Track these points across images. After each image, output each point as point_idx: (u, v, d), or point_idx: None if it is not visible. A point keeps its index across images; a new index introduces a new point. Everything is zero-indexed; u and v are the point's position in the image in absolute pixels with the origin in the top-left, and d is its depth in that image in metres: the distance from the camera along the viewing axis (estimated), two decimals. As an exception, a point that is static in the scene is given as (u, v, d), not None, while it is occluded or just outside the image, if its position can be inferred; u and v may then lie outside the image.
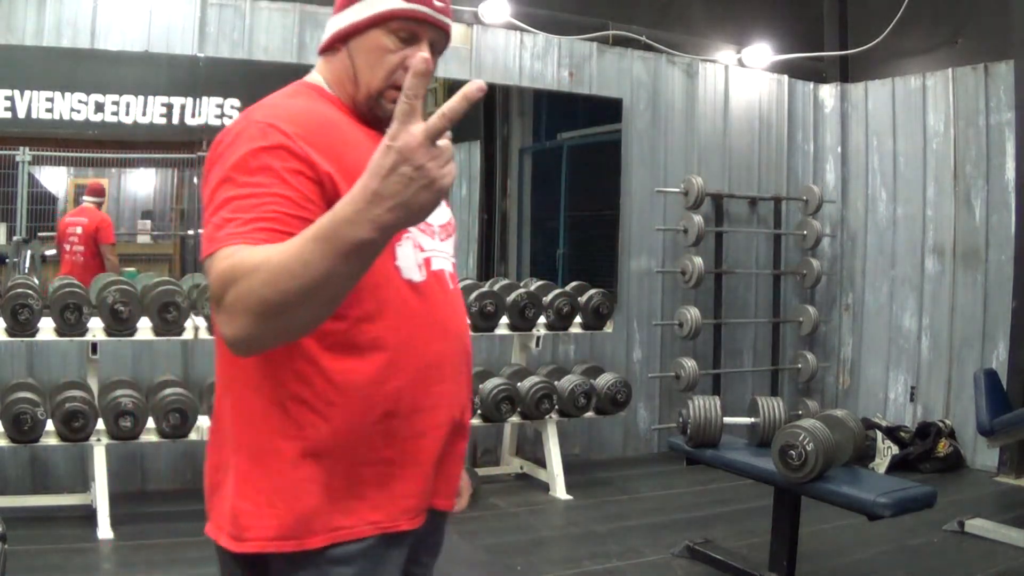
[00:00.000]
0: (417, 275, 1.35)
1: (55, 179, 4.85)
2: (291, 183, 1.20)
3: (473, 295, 4.58)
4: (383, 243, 1.03)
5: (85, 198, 4.77)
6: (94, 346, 3.95)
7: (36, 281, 4.22)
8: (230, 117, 4.84)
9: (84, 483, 4.25)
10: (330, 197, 1.22)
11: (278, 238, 1.12)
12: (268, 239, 1.12)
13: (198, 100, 4.72)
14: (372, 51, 1.37)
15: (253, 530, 1.27)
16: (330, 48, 1.43)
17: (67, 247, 4.73)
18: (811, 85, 6.50)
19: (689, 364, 5.59)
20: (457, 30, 5.24)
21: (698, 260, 5.60)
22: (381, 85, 1.38)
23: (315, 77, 1.46)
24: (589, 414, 4.91)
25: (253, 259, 1.06)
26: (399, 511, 1.33)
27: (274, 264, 1.03)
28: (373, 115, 1.40)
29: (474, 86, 1.00)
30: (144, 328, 3.95)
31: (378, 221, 0.99)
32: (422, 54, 1.02)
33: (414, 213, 1.01)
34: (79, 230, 4.73)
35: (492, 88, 5.70)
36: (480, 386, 4.66)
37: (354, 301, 1.25)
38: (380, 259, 1.11)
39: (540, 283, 5.09)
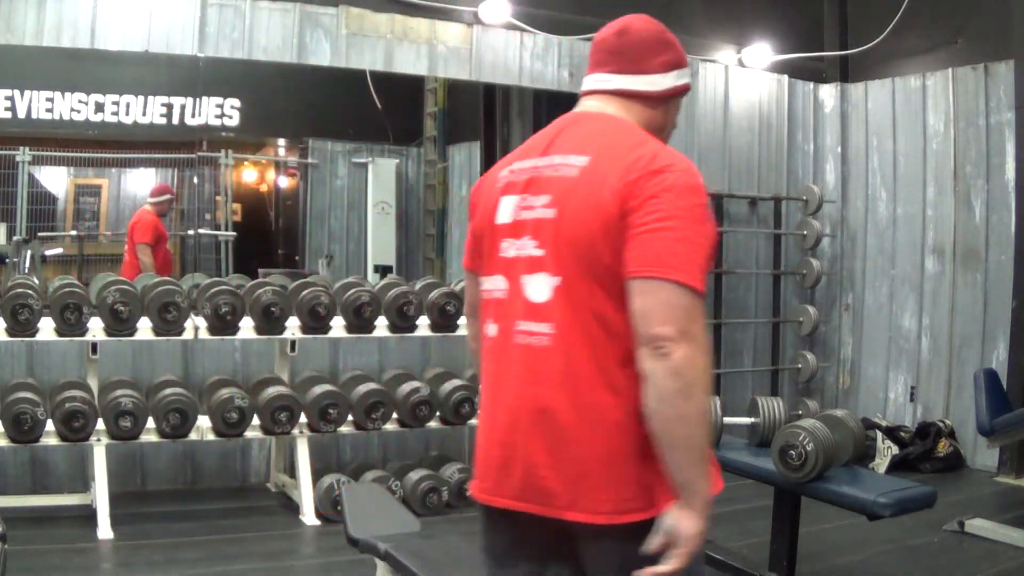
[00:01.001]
0: None
1: (55, 179, 4.86)
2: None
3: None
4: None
5: (148, 199, 4.85)
6: (94, 346, 3.95)
7: (36, 281, 4.22)
8: (230, 117, 4.84)
9: (84, 483, 4.25)
10: None
11: None
12: None
13: (198, 100, 4.73)
14: (675, 111, 1.79)
15: (661, 497, 1.51)
16: (654, 99, 1.71)
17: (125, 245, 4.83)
18: (811, 85, 6.50)
19: (689, 364, 5.58)
20: (457, 30, 5.25)
21: (698, 260, 5.59)
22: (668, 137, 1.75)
23: (631, 118, 1.69)
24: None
25: (707, 387, 1.49)
26: None
27: (703, 410, 1.47)
28: None
29: None
30: (144, 328, 3.95)
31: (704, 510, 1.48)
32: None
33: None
34: (125, 228, 4.81)
35: (492, 88, 5.70)
36: (480, 386, 4.65)
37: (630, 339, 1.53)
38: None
39: (540, 283, 5.09)
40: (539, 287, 1.56)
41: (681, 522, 1.46)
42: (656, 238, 1.46)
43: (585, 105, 1.72)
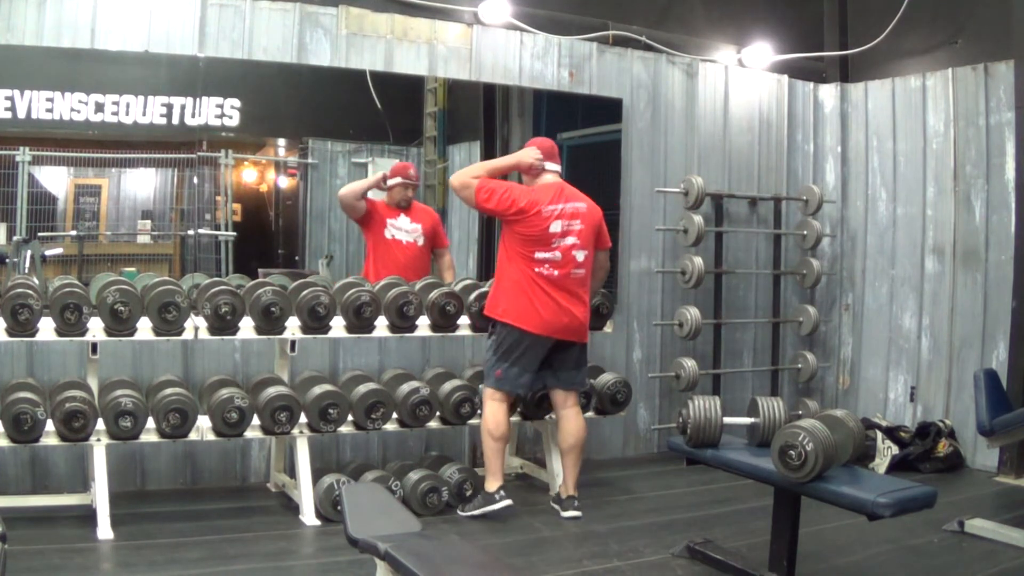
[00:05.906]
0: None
1: (55, 179, 4.85)
2: None
3: (473, 295, 4.58)
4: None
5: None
6: (94, 346, 3.96)
7: (36, 281, 4.22)
8: (230, 117, 4.84)
9: (84, 483, 4.26)
10: None
11: None
12: None
13: (198, 100, 4.72)
14: None
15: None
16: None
17: None
18: (811, 85, 6.50)
19: (689, 364, 5.60)
20: (457, 30, 5.25)
21: (698, 260, 5.60)
22: None
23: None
24: (589, 414, 4.90)
25: None
26: None
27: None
28: None
29: None
30: (144, 328, 3.95)
31: None
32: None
33: None
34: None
35: (492, 88, 5.70)
36: (480, 386, 4.66)
37: None
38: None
39: (540, 283, 5.11)
40: (580, 255, 4.25)
41: None
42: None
43: (555, 177, 4.36)
